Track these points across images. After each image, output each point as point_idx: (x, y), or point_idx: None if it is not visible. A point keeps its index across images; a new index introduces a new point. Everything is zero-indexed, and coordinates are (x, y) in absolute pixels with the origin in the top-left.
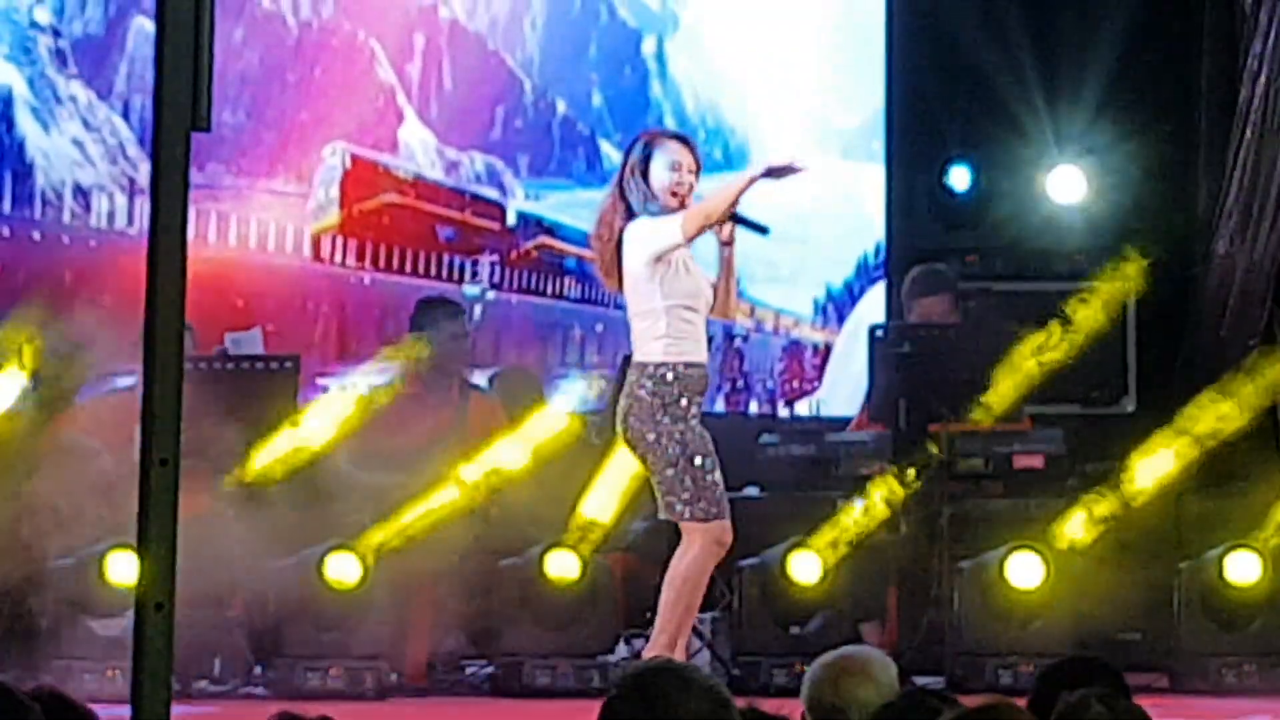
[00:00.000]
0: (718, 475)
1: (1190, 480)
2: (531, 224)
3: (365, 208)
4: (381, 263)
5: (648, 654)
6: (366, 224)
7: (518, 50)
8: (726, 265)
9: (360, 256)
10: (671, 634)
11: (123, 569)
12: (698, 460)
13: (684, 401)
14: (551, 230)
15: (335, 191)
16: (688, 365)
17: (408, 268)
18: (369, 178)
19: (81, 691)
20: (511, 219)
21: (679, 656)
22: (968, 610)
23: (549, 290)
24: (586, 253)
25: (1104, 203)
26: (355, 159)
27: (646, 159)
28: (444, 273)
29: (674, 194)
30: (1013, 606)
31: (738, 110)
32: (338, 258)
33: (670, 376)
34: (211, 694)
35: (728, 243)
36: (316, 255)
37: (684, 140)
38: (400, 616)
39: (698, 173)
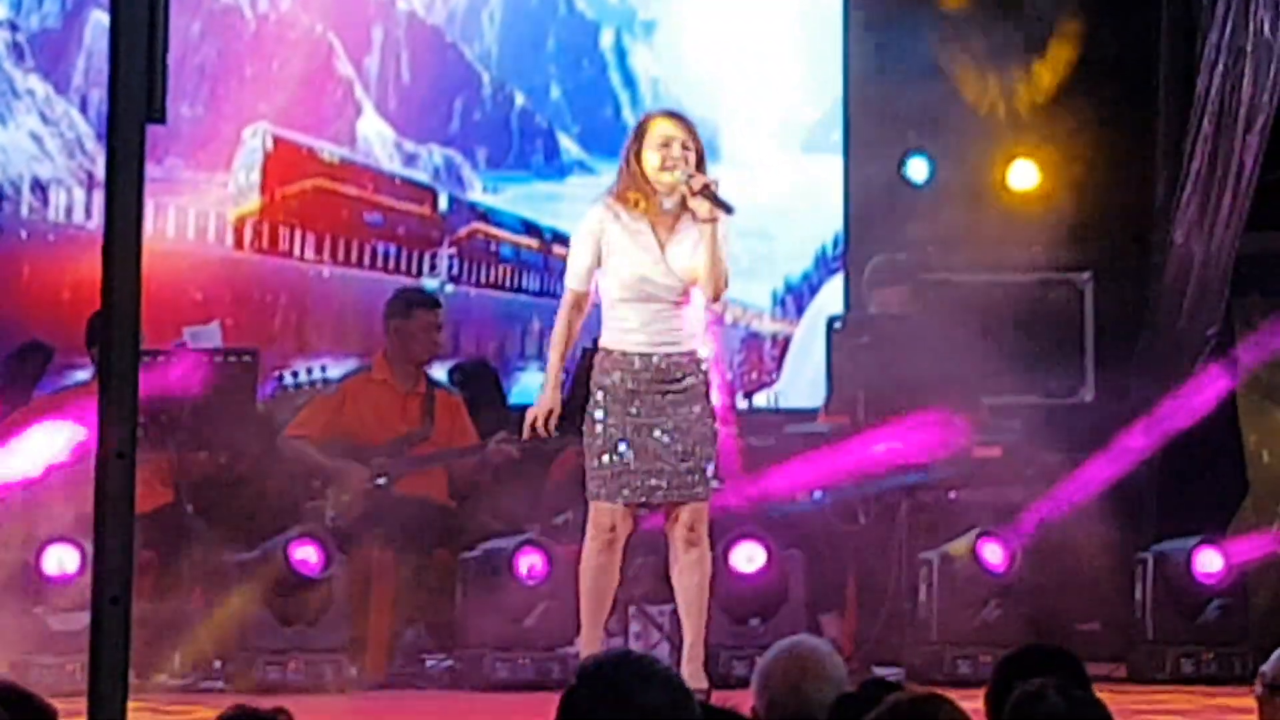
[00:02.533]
0: (608, 459)
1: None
2: (464, 209)
3: (288, 192)
4: (298, 250)
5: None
6: (289, 209)
7: (476, 43)
8: (709, 242)
9: (281, 242)
10: (584, 625)
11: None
12: (595, 444)
13: (606, 386)
14: (485, 216)
15: (256, 175)
16: (608, 353)
17: (329, 254)
18: (292, 161)
19: (40, 685)
20: (443, 204)
21: (592, 643)
22: (926, 601)
23: (508, 283)
24: (522, 239)
25: (1062, 193)
26: (278, 141)
27: (639, 141)
28: (403, 265)
29: (664, 169)
30: (970, 597)
31: (697, 102)
32: (259, 244)
33: (594, 363)
34: (170, 688)
35: (708, 220)
36: (238, 242)
37: (674, 116)
38: (360, 610)
39: (696, 147)
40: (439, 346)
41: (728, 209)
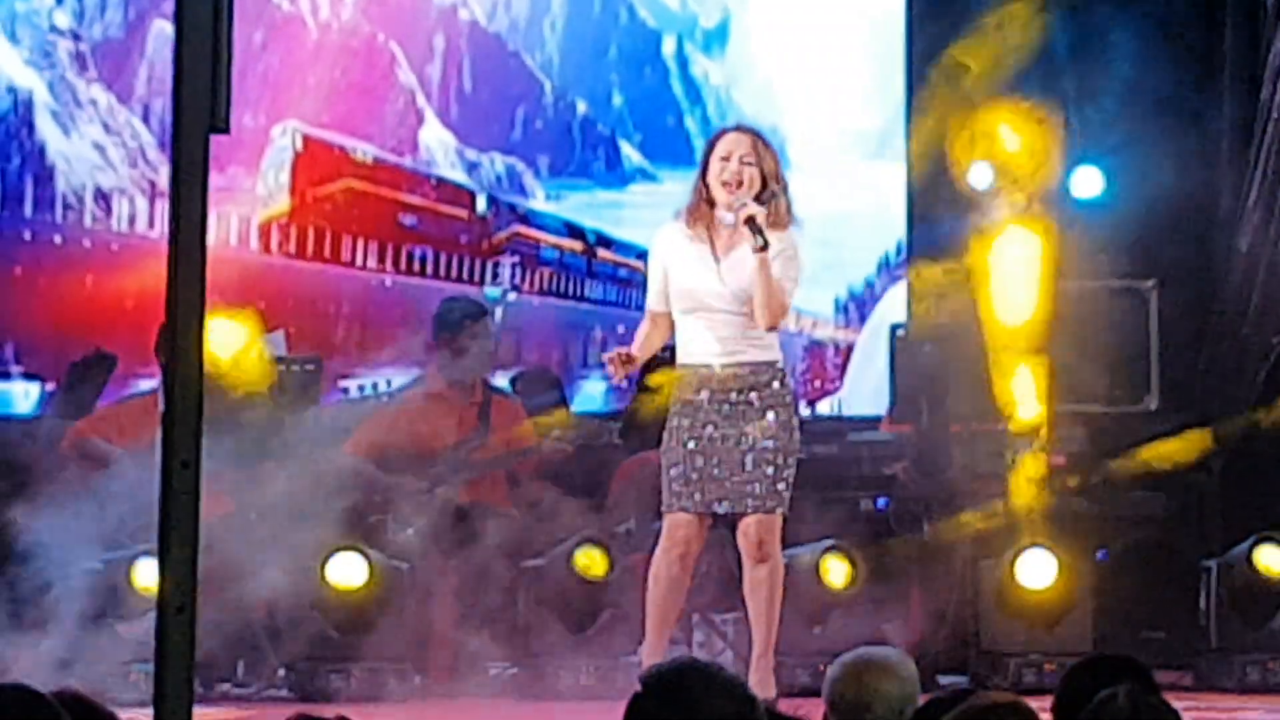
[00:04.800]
0: (681, 470)
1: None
2: (504, 210)
3: (319, 193)
4: (327, 252)
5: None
6: (320, 211)
7: (537, 51)
8: (760, 274)
9: (310, 246)
10: (649, 633)
11: (151, 575)
12: (669, 455)
13: (679, 400)
14: (525, 218)
15: (285, 176)
16: (681, 366)
17: (361, 257)
18: (323, 160)
19: (105, 695)
20: (482, 206)
21: (656, 653)
22: (990, 609)
23: (570, 292)
24: (564, 241)
25: (1126, 200)
26: (308, 140)
27: (707, 154)
28: (465, 274)
29: (724, 184)
30: (1035, 605)
31: (759, 110)
32: (288, 248)
33: (674, 376)
34: (235, 697)
35: (758, 250)
36: (265, 246)
37: (743, 130)
38: (423, 618)
39: (759, 161)
40: (491, 356)
41: (761, 243)
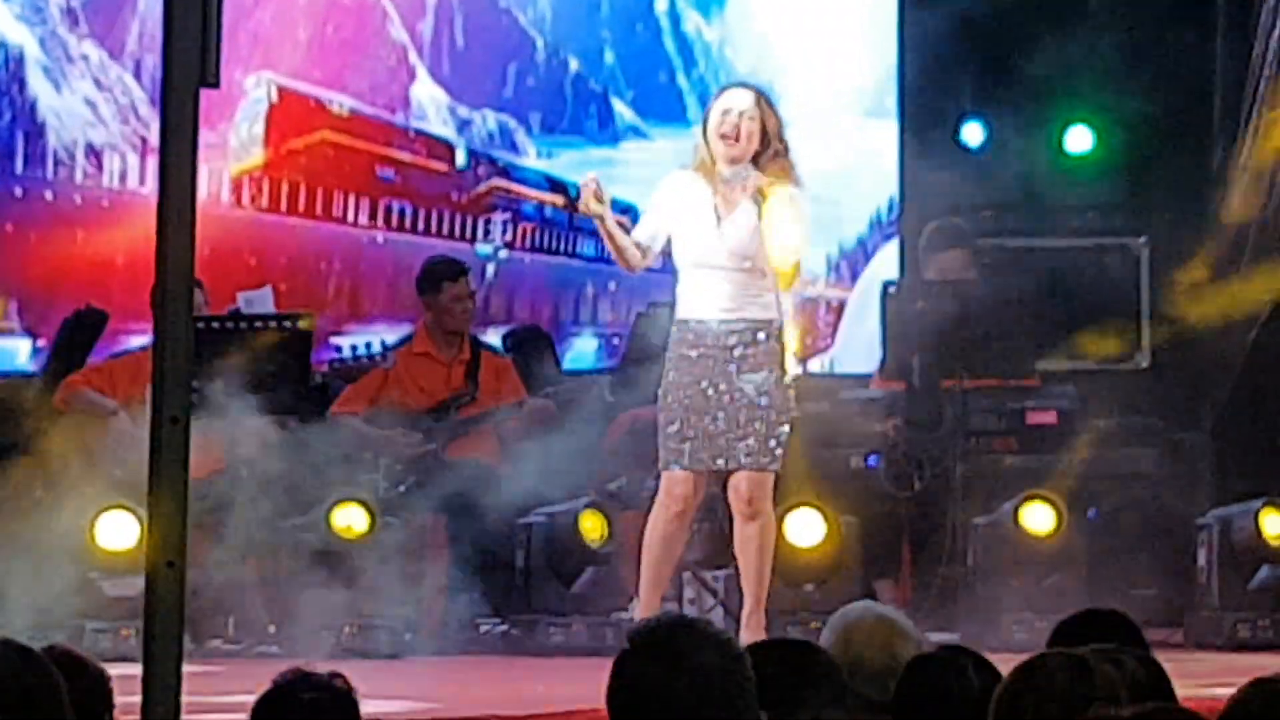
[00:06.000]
0: (678, 428)
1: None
2: (483, 163)
3: (294, 146)
4: (303, 206)
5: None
6: (295, 164)
7: (529, 8)
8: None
9: (285, 201)
10: (643, 590)
11: (112, 531)
12: (666, 411)
13: (675, 355)
14: (505, 171)
15: (259, 128)
16: (678, 322)
17: (342, 214)
18: (299, 113)
19: (95, 651)
20: (461, 159)
21: (650, 611)
22: (981, 567)
23: (562, 249)
24: (545, 195)
25: (1118, 158)
26: (283, 91)
27: (708, 112)
28: (452, 230)
29: (722, 137)
30: (1026, 561)
31: (751, 67)
32: (261, 203)
33: (672, 332)
34: (225, 653)
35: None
36: (237, 200)
37: (744, 86)
38: (414, 576)
39: (761, 117)
40: (472, 314)
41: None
